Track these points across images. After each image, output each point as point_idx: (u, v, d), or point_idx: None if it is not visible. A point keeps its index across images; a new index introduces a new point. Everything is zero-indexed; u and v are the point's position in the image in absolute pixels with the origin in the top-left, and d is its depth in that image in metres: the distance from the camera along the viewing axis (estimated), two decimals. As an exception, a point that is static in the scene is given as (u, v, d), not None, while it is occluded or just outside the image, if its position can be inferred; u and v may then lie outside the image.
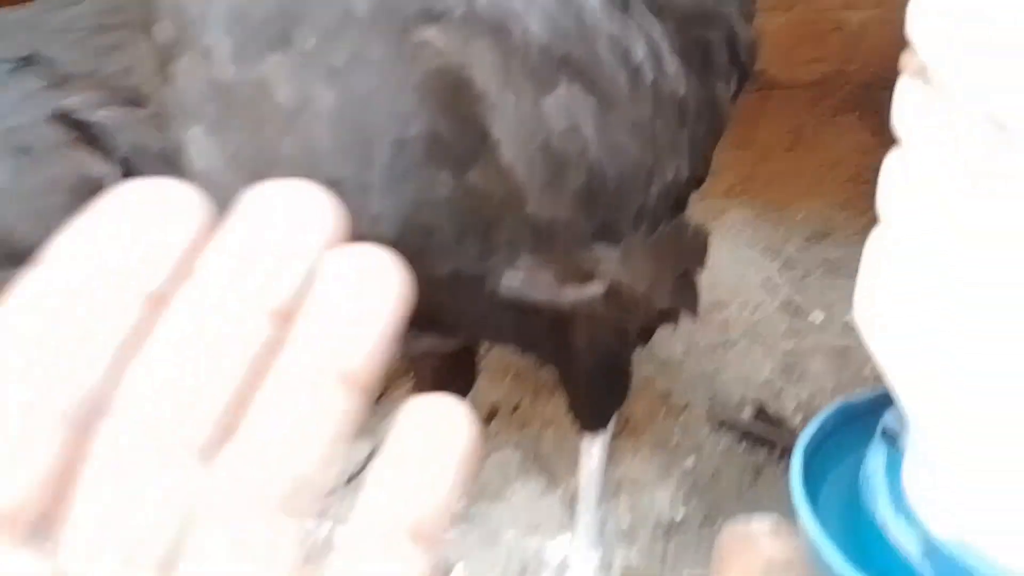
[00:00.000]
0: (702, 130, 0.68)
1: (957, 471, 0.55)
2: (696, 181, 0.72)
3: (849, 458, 0.66)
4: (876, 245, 0.59)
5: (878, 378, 0.60)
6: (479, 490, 0.91)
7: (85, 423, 0.17)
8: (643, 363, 1.15)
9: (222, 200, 0.19)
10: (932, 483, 0.57)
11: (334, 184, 0.20)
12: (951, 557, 0.53)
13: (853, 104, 1.42)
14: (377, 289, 0.19)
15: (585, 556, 0.82)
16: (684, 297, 0.71)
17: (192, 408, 0.17)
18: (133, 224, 0.18)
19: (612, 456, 0.98)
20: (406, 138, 0.50)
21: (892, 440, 0.63)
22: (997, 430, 0.51)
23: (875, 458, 0.64)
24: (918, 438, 0.59)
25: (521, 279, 0.58)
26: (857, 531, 0.61)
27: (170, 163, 0.55)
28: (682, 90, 0.62)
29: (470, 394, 0.99)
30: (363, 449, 0.83)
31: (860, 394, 0.72)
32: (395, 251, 0.19)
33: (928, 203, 0.53)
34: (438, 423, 0.19)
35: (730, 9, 0.74)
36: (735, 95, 0.76)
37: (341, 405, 0.18)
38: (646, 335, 0.76)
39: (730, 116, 0.75)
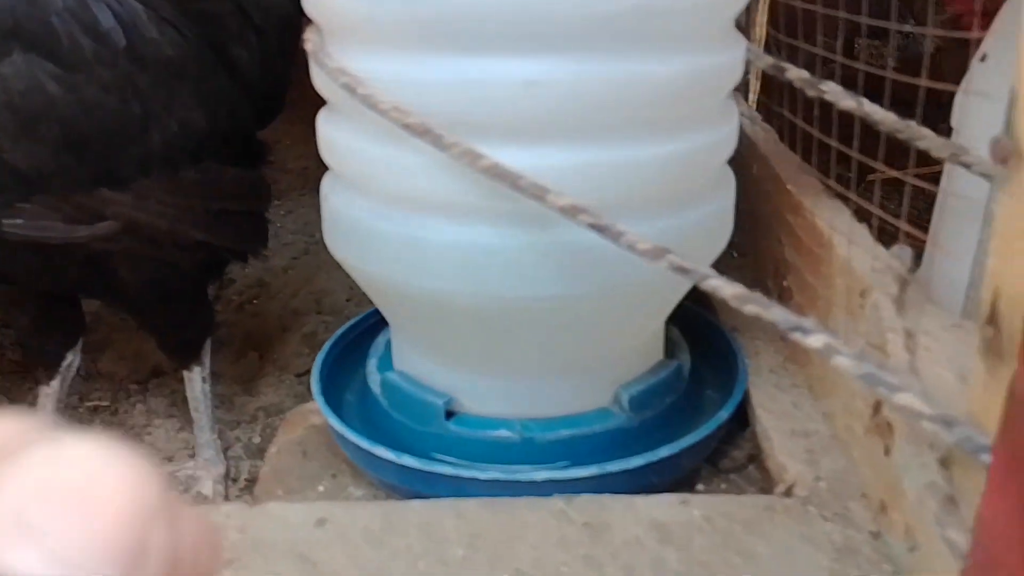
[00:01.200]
0: (219, 87, 0.79)
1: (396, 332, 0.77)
2: (226, 134, 0.82)
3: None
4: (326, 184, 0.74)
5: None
6: (123, 433, 1.01)
7: None
8: (310, 313, 1.28)
9: None
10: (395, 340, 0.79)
11: None
12: (394, 385, 0.77)
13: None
14: None
15: (207, 472, 0.93)
16: (231, 234, 0.83)
17: None
18: None
19: (255, 389, 1.10)
20: None
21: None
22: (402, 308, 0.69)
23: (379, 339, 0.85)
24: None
25: (23, 222, 0.68)
26: (364, 400, 0.81)
27: None
28: (169, 51, 0.74)
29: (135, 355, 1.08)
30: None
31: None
32: None
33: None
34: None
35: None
36: (272, 58, 0.87)
37: None
38: (211, 269, 0.87)
39: (267, 76, 0.86)
